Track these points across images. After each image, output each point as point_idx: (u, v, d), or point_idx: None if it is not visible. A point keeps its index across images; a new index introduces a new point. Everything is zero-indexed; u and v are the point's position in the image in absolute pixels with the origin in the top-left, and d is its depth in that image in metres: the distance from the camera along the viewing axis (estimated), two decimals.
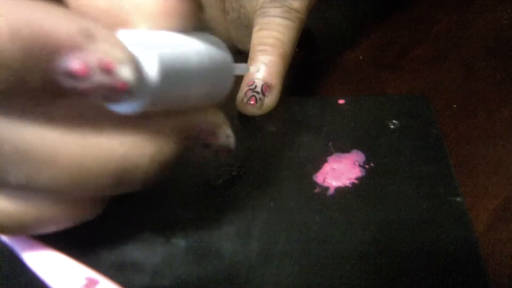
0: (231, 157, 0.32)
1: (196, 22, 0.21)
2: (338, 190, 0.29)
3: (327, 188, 0.29)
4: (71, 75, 0.16)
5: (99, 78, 0.16)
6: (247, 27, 0.40)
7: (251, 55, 0.36)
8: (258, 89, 0.35)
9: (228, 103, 0.36)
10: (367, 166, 0.31)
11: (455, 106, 0.37)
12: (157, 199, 0.29)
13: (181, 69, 0.19)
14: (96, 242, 0.27)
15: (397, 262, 0.25)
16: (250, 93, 0.35)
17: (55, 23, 0.16)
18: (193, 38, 0.21)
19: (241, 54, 0.42)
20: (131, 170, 0.20)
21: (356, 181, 0.30)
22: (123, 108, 0.19)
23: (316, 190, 0.29)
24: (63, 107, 0.18)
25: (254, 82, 0.35)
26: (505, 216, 0.28)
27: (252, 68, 0.33)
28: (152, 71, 0.18)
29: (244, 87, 0.35)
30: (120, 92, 0.17)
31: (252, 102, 0.34)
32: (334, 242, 0.26)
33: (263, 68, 0.35)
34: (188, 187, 0.30)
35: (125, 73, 0.17)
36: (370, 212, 0.28)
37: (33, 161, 0.18)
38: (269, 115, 0.35)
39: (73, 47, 0.16)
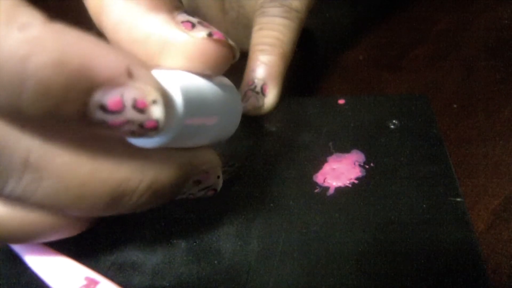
0: (231, 157, 0.32)
1: (225, 69, 0.22)
2: (338, 190, 0.29)
3: (327, 188, 0.29)
4: (105, 109, 0.16)
5: (132, 115, 0.17)
6: (246, 27, 0.40)
7: (250, 54, 0.36)
8: (258, 89, 0.35)
9: None
10: (367, 166, 0.31)
11: (455, 106, 0.37)
12: None
13: (201, 110, 0.20)
14: (96, 242, 0.27)
15: (397, 262, 0.25)
16: (250, 93, 0.35)
17: (99, 58, 0.16)
18: (211, 80, 0.22)
19: (240, 54, 0.42)
20: (128, 194, 0.20)
21: (356, 181, 0.30)
22: (145, 143, 0.20)
23: (316, 190, 0.29)
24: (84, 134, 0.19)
25: (254, 82, 0.35)
26: (505, 216, 0.28)
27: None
28: (178, 110, 0.19)
29: (244, 87, 0.35)
30: (149, 130, 0.17)
31: (252, 102, 0.34)
32: (334, 242, 0.26)
33: (263, 68, 0.35)
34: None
35: (157, 112, 0.17)
36: (370, 212, 0.28)
37: (35, 174, 0.18)
38: (269, 115, 0.35)
39: (113, 84, 0.16)
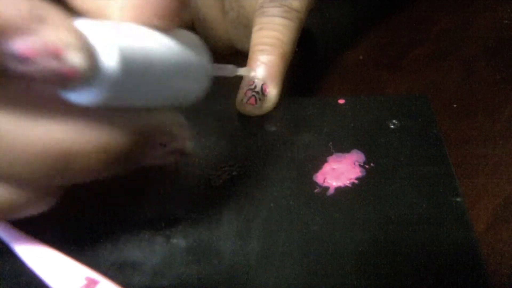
0: (231, 157, 0.32)
1: (178, 22, 0.21)
2: (338, 190, 0.29)
3: (327, 188, 0.29)
4: (18, 58, 0.15)
5: (47, 62, 0.16)
6: (246, 27, 0.40)
7: (250, 54, 0.36)
8: (258, 89, 0.35)
9: (228, 103, 0.37)
10: (367, 166, 0.31)
11: (455, 106, 0.37)
12: (157, 199, 0.29)
13: (145, 65, 0.19)
14: (96, 242, 0.27)
15: (397, 262, 0.25)
16: (250, 93, 0.35)
17: (4, 4, 0.15)
18: (166, 36, 0.20)
19: (240, 54, 0.42)
20: (78, 157, 0.19)
21: (356, 181, 0.30)
22: (78, 98, 0.18)
23: (316, 190, 0.29)
24: (13, 89, 0.18)
25: (254, 82, 0.35)
26: (505, 216, 0.28)
27: (241, 71, 0.32)
28: (110, 62, 0.17)
29: (243, 87, 0.35)
30: (69, 78, 0.16)
31: (252, 102, 0.34)
32: (334, 242, 0.26)
33: (263, 68, 0.35)
34: (188, 187, 0.30)
35: (74, 59, 0.16)
36: (370, 212, 0.28)
37: None
38: (269, 115, 0.35)
39: (22, 30, 0.15)
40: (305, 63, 0.44)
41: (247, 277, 0.24)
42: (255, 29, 0.37)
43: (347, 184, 0.30)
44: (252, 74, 0.35)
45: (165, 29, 0.20)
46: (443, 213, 0.27)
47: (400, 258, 0.25)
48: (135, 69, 0.18)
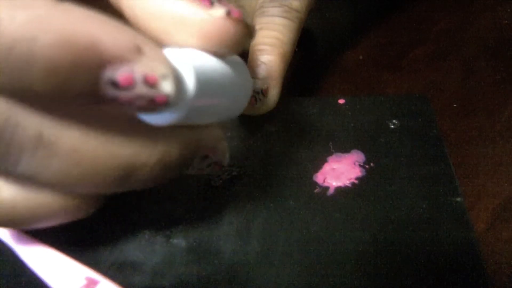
0: (231, 157, 0.32)
1: (242, 48, 0.22)
2: (338, 190, 0.29)
3: (327, 188, 0.29)
4: (116, 85, 0.17)
5: (142, 90, 0.17)
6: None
7: (251, 54, 0.36)
8: (258, 89, 0.35)
9: None
10: (367, 166, 0.31)
11: (455, 106, 0.37)
12: (157, 199, 0.29)
13: (212, 88, 0.21)
14: (96, 242, 0.27)
15: (397, 262, 0.25)
16: None
17: (107, 35, 0.17)
18: (224, 59, 0.22)
19: (239, 55, 0.42)
20: (138, 169, 0.20)
21: (356, 181, 0.30)
22: (157, 119, 0.20)
23: (316, 190, 0.29)
24: (93, 110, 0.19)
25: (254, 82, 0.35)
26: (505, 216, 0.28)
27: (259, 83, 0.33)
28: (189, 87, 0.19)
29: None
30: (160, 104, 0.18)
31: (252, 102, 0.34)
32: (334, 242, 0.26)
33: (263, 68, 0.35)
34: (188, 187, 0.30)
35: (167, 87, 0.18)
36: (370, 212, 0.28)
37: (47, 151, 0.18)
38: (269, 115, 0.35)
39: (122, 60, 0.17)
40: (305, 63, 0.44)
41: (247, 277, 0.24)
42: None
43: (347, 184, 0.30)
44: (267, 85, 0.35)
45: (225, 55, 0.22)
46: (443, 213, 0.27)
47: (400, 258, 0.25)
48: (205, 92, 0.20)
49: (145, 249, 0.26)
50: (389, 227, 0.26)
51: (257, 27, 0.37)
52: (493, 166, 0.32)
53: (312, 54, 0.46)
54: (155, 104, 0.18)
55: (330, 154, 0.32)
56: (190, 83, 0.19)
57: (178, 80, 0.18)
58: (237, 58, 0.24)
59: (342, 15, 0.53)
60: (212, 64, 0.21)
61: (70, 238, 0.27)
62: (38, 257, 0.25)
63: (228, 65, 0.22)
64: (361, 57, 0.45)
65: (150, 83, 0.17)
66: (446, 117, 0.36)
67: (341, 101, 0.36)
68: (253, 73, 0.35)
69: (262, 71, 0.35)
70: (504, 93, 0.38)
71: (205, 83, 0.20)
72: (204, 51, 0.21)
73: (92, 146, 0.19)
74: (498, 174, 0.31)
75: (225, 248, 0.26)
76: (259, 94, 0.35)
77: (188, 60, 0.19)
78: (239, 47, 0.22)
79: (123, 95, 0.17)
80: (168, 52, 0.19)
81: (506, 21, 0.48)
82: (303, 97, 0.38)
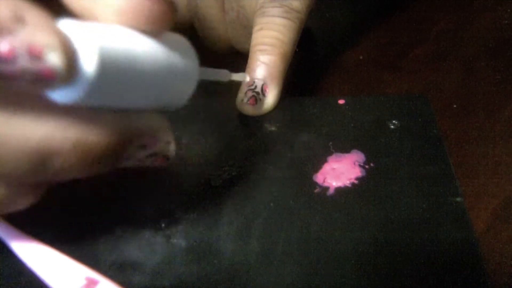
0: (231, 157, 0.32)
1: (165, 26, 0.21)
2: (338, 190, 0.29)
3: (327, 188, 0.29)
4: None
5: (26, 62, 0.16)
6: (246, 28, 0.40)
7: (251, 54, 0.36)
8: (258, 89, 0.35)
9: (228, 103, 0.37)
10: (367, 166, 0.31)
11: (455, 106, 0.37)
12: (157, 199, 0.29)
13: (127, 68, 0.19)
14: (96, 242, 0.27)
15: (397, 262, 0.25)
16: (250, 93, 0.35)
17: None
18: (153, 39, 0.21)
19: (239, 55, 0.42)
20: (53, 154, 0.19)
21: (356, 181, 0.30)
22: (59, 97, 0.18)
23: (316, 190, 0.29)
24: None
25: (254, 82, 0.35)
26: (505, 216, 0.28)
27: (234, 76, 0.32)
28: (90, 63, 0.17)
29: (244, 87, 0.35)
30: (48, 78, 0.17)
31: (252, 102, 0.34)
32: (334, 242, 0.26)
33: (263, 68, 0.35)
34: (188, 187, 0.30)
35: (53, 59, 0.16)
36: (370, 212, 0.28)
37: None
38: (269, 115, 0.35)
39: (2, 30, 0.15)
40: (305, 63, 0.44)
41: (247, 277, 0.24)
42: (255, 29, 0.37)
43: (347, 184, 0.29)
44: (247, 79, 0.34)
45: (152, 32, 0.21)
46: (443, 213, 0.27)
47: (400, 258, 0.25)
48: (116, 71, 0.18)
49: (145, 249, 0.26)
50: (389, 227, 0.26)
51: (258, 27, 0.37)
52: (493, 166, 0.32)
53: (312, 54, 0.46)
54: (43, 78, 0.16)
55: (330, 154, 0.32)
56: (91, 58, 0.17)
57: (70, 53, 0.17)
58: (180, 40, 0.22)
59: (342, 15, 0.53)
60: (131, 41, 0.19)
61: (70, 238, 0.27)
62: (38, 257, 0.25)
63: (160, 45, 0.21)
64: (361, 57, 0.45)
65: (34, 55, 0.16)
66: (446, 117, 0.36)
67: (341, 101, 0.36)
68: (253, 73, 0.35)
69: (262, 71, 0.35)
70: (504, 93, 0.38)
71: (115, 60, 0.18)
72: (126, 28, 0.20)
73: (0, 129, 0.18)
74: (498, 174, 0.31)
75: (225, 248, 0.26)
76: (259, 94, 0.35)
77: (91, 33, 0.18)
78: (161, 25, 0.20)
79: (6, 68, 0.16)
80: (68, 24, 0.18)
81: (506, 21, 0.48)
82: (303, 97, 0.38)
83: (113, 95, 0.19)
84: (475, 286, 0.23)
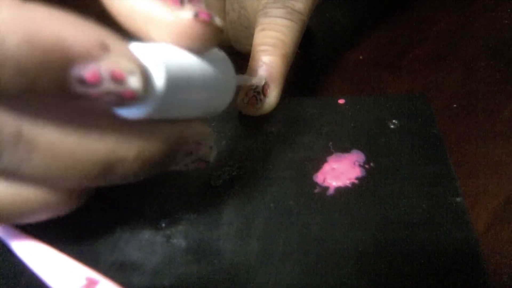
0: (231, 157, 0.32)
1: (212, 45, 0.23)
2: (338, 190, 0.29)
3: (327, 188, 0.29)
4: (84, 82, 0.17)
5: (110, 86, 0.18)
6: (247, 28, 0.40)
7: (253, 54, 0.36)
8: (259, 89, 0.35)
9: (230, 103, 0.36)
10: (367, 166, 0.31)
11: (455, 106, 0.37)
12: (158, 199, 0.29)
13: (185, 82, 0.21)
14: (97, 242, 0.27)
15: (397, 262, 0.25)
16: (251, 93, 0.34)
17: (72, 33, 0.17)
18: (201, 55, 0.22)
19: (238, 55, 0.42)
20: (118, 163, 0.21)
21: (356, 181, 0.30)
22: (129, 113, 0.20)
23: (316, 190, 0.29)
24: (68, 105, 0.20)
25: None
26: (505, 216, 0.28)
27: (254, 80, 0.33)
28: (159, 81, 0.19)
29: (245, 88, 0.35)
30: (128, 99, 0.18)
31: (252, 102, 0.34)
32: (334, 242, 0.26)
33: (265, 68, 0.35)
34: (188, 187, 0.30)
35: (134, 83, 0.18)
36: (370, 212, 0.27)
37: (27, 147, 0.19)
38: (269, 115, 0.35)
39: (88, 58, 0.17)
40: (305, 63, 0.44)
41: (247, 277, 0.24)
42: (257, 29, 0.37)
43: (347, 184, 0.29)
44: (264, 81, 0.35)
45: (200, 50, 0.22)
46: (443, 213, 0.27)
47: (399, 258, 0.25)
48: (177, 86, 0.20)
49: (145, 249, 0.26)
50: (389, 227, 0.26)
51: (260, 27, 0.37)
52: (493, 166, 0.31)
53: (312, 54, 0.46)
54: (124, 99, 0.18)
55: (330, 154, 0.32)
56: (160, 77, 0.19)
57: (145, 75, 0.19)
58: (219, 53, 0.24)
59: (342, 15, 0.53)
60: (185, 59, 0.21)
61: (70, 238, 0.27)
62: (39, 257, 0.25)
63: (206, 60, 0.22)
64: (361, 57, 0.45)
65: (117, 79, 0.18)
66: (446, 117, 0.36)
67: (341, 101, 0.36)
68: (254, 73, 0.35)
69: (263, 71, 0.35)
70: (504, 93, 0.38)
71: (177, 77, 0.20)
72: (177, 47, 0.21)
73: (70, 141, 0.19)
74: (498, 174, 0.31)
75: (225, 248, 0.26)
76: (259, 94, 0.35)
77: (158, 55, 0.20)
78: (209, 45, 0.22)
79: (91, 91, 0.18)
80: (136, 47, 0.20)
81: (506, 21, 0.48)
82: (303, 97, 0.38)
83: (173, 108, 0.21)
84: (475, 286, 0.23)
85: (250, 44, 0.39)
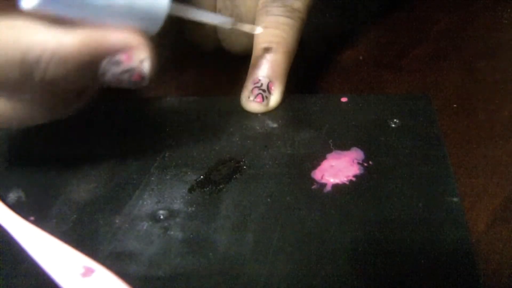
0: (231, 152, 0.32)
1: None
2: (335, 187, 0.29)
3: (324, 185, 0.29)
4: None
5: None
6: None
7: (255, 52, 0.36)
8: (264, 86, 0.34)
9: (229, 100, 0.36)
10: (365, 164, 0.30)
11: (455, 106, 0.37)
12: (157, 191, 0.29)
13: None
14: (96, 232, 0.27)
15: (391, 259, 0.24)
16: (256, 91, 0.34)
17: None
18: None
19: (229, 54, 0.41)
20: (34, 62, 0.22)
21: (353, 179, 0.29)
22: (26, 3, 0.21)
23: (313, 187, 0.29)
24: None
25: (259, 80, 0.34)
26: (505, 216, 0.28)
27: (258, 29, 0.34)
28: None
29: (249, 85, 0.35)
30: None
31: (258, 100, 0.34)
32: (329, 238, 0.25)
33: (268, 66, 0.35)
34: (187, 180, 0.30)
35: None
36: (365, 209, 0.27)
37: None
38: (271, 112, 0.35)
39: None
40: (305, 63, 0.43)
41: (241, 270, 0.24)
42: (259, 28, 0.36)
43: (345, 181, 0.29)
44: (249, 29, 0.34)
45: None
46: (439, 213, 0.26)
47: (393, 256, 0.24)
48: None
49: (143, 240, 0.26)
50: (384, 225, 0.26)
51: (261, 25, 0.36)
52: (493, 166, 0.31)
53: (312, 54, 0.46)
54: None
55: (330, 151, 0.31)
56: None
57: None
58: None
59: (342, 15, 0.52)
60: None
61: (71, 227, 0.27)
62: (39, 245, 0.25)
63: None
64: (361, 57, 0.44)
65: None
66: (446, 117, 0.35)
67: (344, 99, 0.36)
68: (258, 71, 0.35)
69: (267, 69, 0.35)
70: (504, 93, 0.38)
71: None
72: None
73: None
74: (498, 174, 0.30)
75: (220, 241, 0.26)
76: (265, 91, 0.35)
77: None
78: None
79: None
80: None
81: (506, 21, 0.47)
82: (305, 95, 0.37)
83: (71, 4, 0.22)
84: (469, 285, 0.23)
85: (240, 43, 0.39)
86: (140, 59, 0.24)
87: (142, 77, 0.25)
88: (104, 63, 0.24)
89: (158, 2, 0.24)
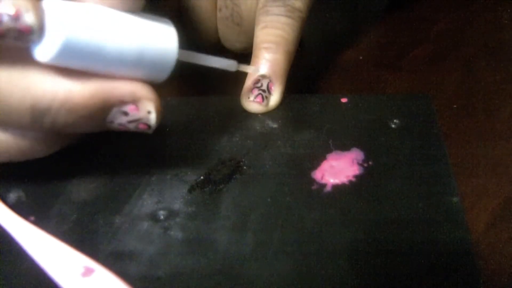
0: (231, 152, 0.31)
1: (138, 6, 0.24)
2: (335, 187, 0.28)
3: (324, 185, 0.29)
4: None
5: (10, 22, 0.21)
6: (239, 26, 0.40)
7: (255, 52, 0.36)
8: (264, 87, 0.34)
9: (229, 100, 0.36)
10: (365, 164, 0.30)
11: (455, 106, 0.37)
12: (157, 191, 0.29)
13: (98, 33, 0.23)
14: (96, 232, 0.27)
15: (390, 259, 0.24)
16: (256, 91, 0.34)
17: None
18: (128, 15, 0.24)
19: (228, 53, 0.41)
20: (44, 110, 0.23)
21: (353, 179, 0.29)
22: (41, 55, 0.22)
23: (313, 187, 0.29)
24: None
25: (260, 80, 0.34)
26: (505, 216, 0.27)
27: (262, 69, 0.35)
28: (62, 21, 0.22)
29: (249, 85, 0.35)
30: (26, 34, 0.21)
31: (258, 100, 0.34)
32: (328, 239, 0.25)
33: (268, 66, 0.35)
34: (187, 180, 0.30)
35: (28, 18, 0.21)
36: (365, 210, 0.27)
37: None
38: (271, 112, 0.35)
39: None
40: (305, 63, 0.43)
41: (241, 270, 0.24)
42: (259, 27, 0.36)
43: (345, 182, 0.29)
44: (253, 70, 0.34)
45: (127, 10, 0.24)
46: (439, 213, 0.26)
47: (393, 256, 0.24)
48: (89, 35, 0.22)
49: (143, 240, 0.26)
50: (384, 226, 0.26)
51: (262, 25, 0.36)
52: (493, 166, 0.31)
53: (312, 54, 0.46)
54: (21, 33, 0.21)
55: (330, 151, 0.31)
56: (62, 20, 0.21)
57: (40, 12, 0.21)
58: (162, 20, 0.25)
59: (342, 15, 0.52)
60: (102, 12, 0.23)
61: (71, 227, 0.27)
62: (39, 245, 0.25)
63: (138, 22, 0.24)
64: (361, 57, 0.44)
65: (15, 17, 0.21)
66: (446, 117, 0.35)
67: (344, 100, 0.36)
68: (258, 70, 0.35)
69: (267, 68, 0.35)
70: (504, 93, 0.37)
71: (85, 25, 0.22)
72: (102, 6, 0.23)
73: (2, 87, 0.22)
74: (498, 174, 0.30)
75: (220, 241, 0.26)
76: (265, 92, 0.35)
77: (66, 4, 0.22)
78: (133, 4, 0.24)
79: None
80: (50, 2, 0.22)
81: (506, 21, 0.47)
82: (305, 95, 0.37)
83: (83, 59, 0.23)
84: (468, 285, 0.23)
85: (240, 42, 0.39)
86: (147, 109, 0.25)
87: (148, 127, 0.26)
88: (112, 112, 0.25)
89: (167, 52, 0.25)
